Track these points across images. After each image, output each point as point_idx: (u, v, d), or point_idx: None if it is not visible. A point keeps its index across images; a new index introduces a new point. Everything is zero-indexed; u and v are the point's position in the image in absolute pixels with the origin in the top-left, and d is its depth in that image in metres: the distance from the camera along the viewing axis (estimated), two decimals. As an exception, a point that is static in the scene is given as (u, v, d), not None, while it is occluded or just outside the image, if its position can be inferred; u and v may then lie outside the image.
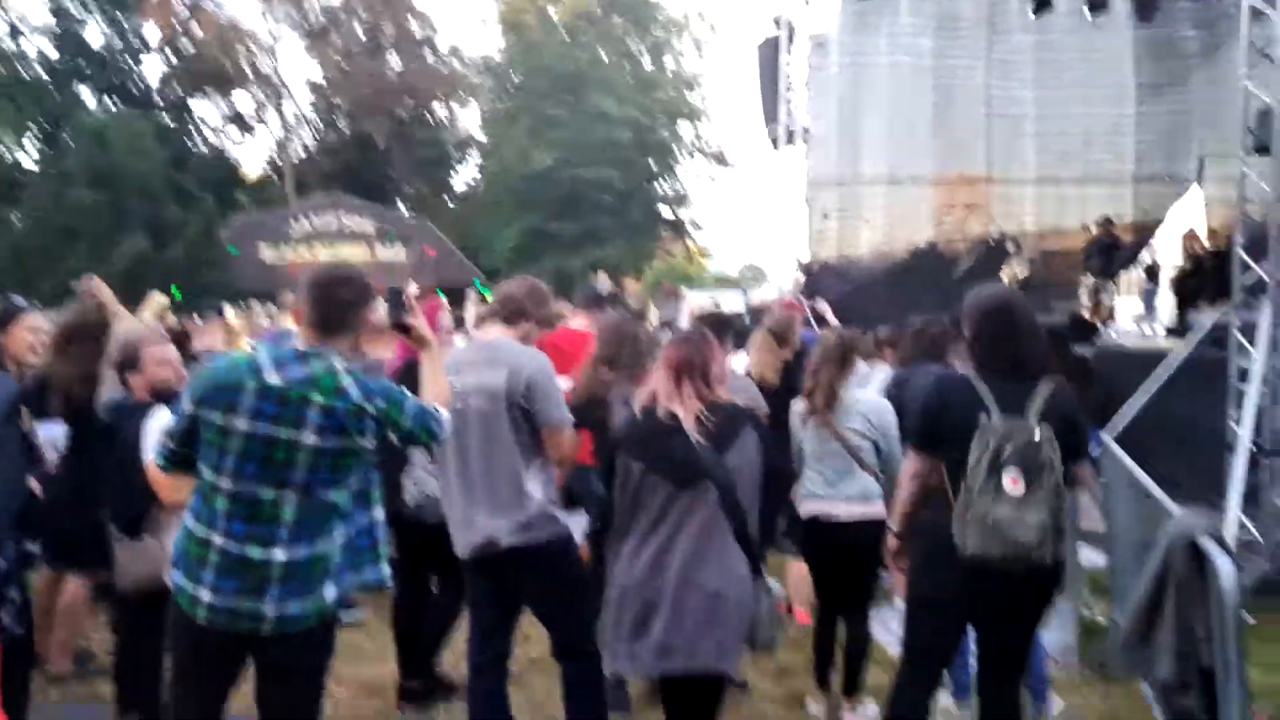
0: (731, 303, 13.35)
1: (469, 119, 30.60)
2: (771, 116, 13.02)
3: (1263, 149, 6.45)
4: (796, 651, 4.58)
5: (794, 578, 5.02)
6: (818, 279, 12.19)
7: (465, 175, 31.83)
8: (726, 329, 4.41)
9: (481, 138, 29.94)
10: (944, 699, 3.82)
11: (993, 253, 12.64)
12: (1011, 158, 13.12)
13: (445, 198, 30.61)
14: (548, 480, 3.25)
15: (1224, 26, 11.74)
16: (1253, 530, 5.92)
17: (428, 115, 29.43)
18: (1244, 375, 6.23)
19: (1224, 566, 2.46)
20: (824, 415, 3.83)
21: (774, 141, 12.98)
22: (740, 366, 5.03)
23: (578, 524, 3.45)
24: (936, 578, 2.88)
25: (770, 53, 12.96)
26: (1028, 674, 3.99)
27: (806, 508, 3.91)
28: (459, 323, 5.46)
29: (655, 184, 28.60)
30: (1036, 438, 2.72)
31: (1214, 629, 2.52)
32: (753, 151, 64.07)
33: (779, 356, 4.88)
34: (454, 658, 4.12)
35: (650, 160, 27.72)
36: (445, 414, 2.66)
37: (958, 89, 12.85)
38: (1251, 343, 6.24)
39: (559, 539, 3.24)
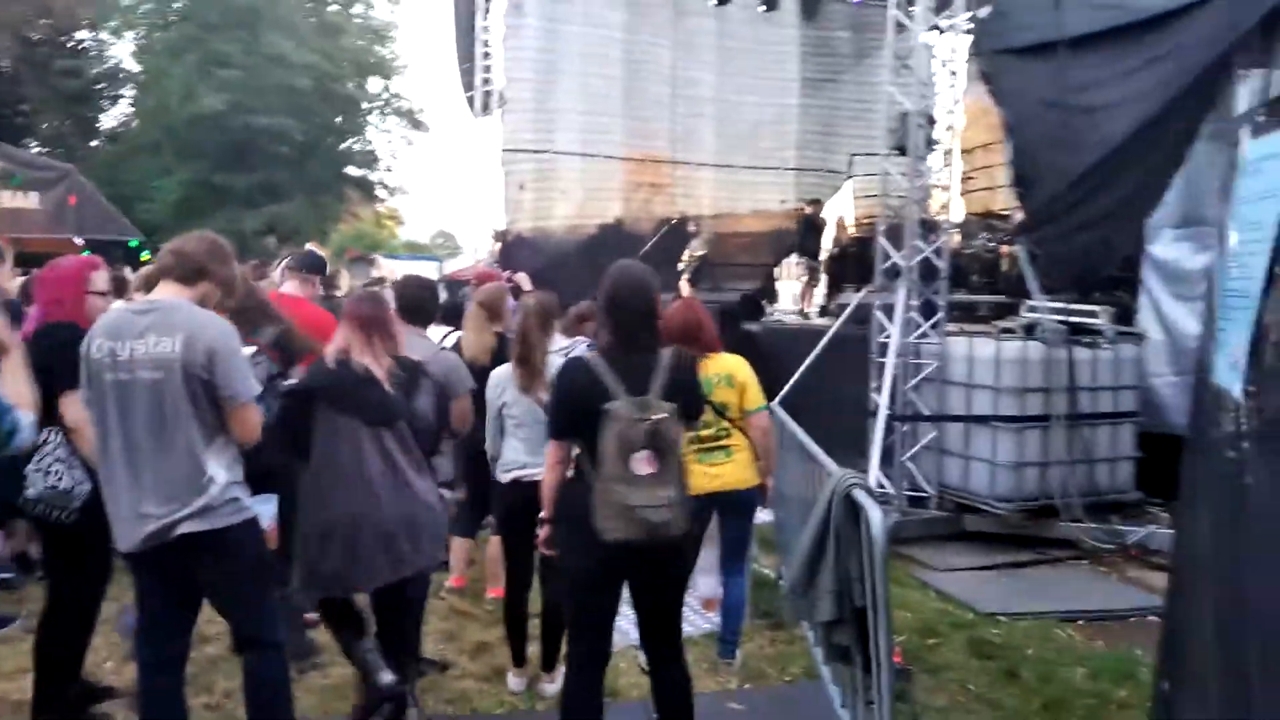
0: (425, 272, 12.98)
1: (122, 48, 26.82)
2: (468, 76, 12.73)
3: (901, 149, 7.39)
4: (495, 627, 4.60)
5: (491, 554, 5.04)
6: (512, 250, 12.18)
7: (116, 113, 27.97)
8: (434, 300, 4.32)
9: (136, 68, 26.28)
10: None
11: (675, 233, 13.31)
12: (693, 139, 13.84)
13: (91, 138, 26.76)
14: (232, 460, 2.96)
15: (873, 33, 13.28)
16: (888, 485, 6.82)
17: (70, 40, 25.46)
18: (883, 351, 7.13)
19: (874, 514, 2.80)
20: (536, 382, 3.84)
21: (471, 104, 12.69)
22: (439, 337, 4.93)
23: (265, 508, 3.20)
24: (584, 556, 2.94)
25: (467, 8, 12.60)
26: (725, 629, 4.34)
27: (509, 475, 3.92)
28: (119, 285, 4.81)
29: (341, 140, 26.92)
30: (662, 418, 2.80)
31: (865, 570, 2.86)
32: (450, 113, 62.52)
33: (491, 334, 4.84)
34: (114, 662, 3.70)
35: (335, 114, 26.06)
36: (29, 419, 2.46)
37: (645, 66, 13.29)
38: (889, 322, 7.16)
39: (244, 524, 2.97)
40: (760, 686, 4.09)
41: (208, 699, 3.77)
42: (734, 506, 4.17)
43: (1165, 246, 7.38)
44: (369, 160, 27.56)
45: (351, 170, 27.48)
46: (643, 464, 2.78)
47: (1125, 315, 7.47)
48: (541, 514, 3.14)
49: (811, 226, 12.72)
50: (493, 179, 12.85)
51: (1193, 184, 7.01)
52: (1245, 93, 5.97)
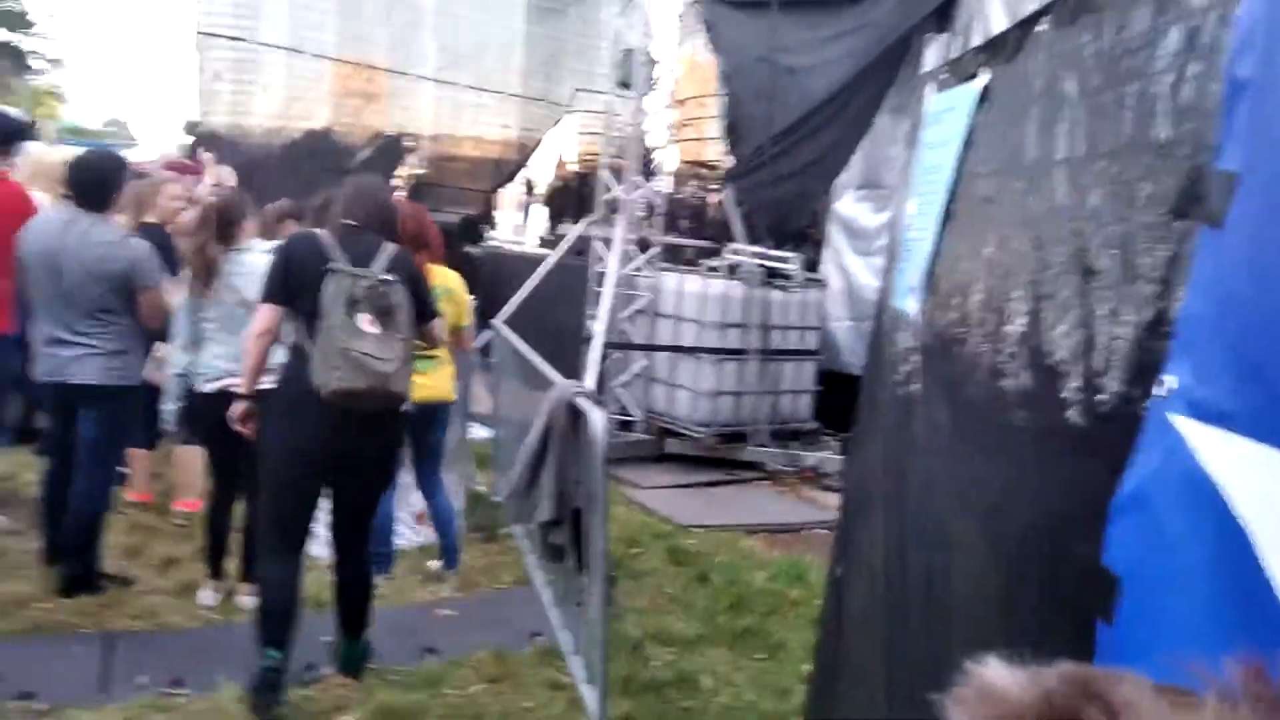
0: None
1: None
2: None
3: (625, 85, 7.58)
4: (183, 542, 4.33)
5: (182, 464, 4.68)
6: (207, 147, 11.09)
7: None
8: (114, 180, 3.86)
9: None
10: (316, 549, 3.94)
11: (390, 147, 12.78)
12: (412, 52, 13.25)
13: None
14: None
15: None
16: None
17: None
18: (601, 280, 7.35)
19: (595, 418, 2.94)
20: (203, 286, 3.60)
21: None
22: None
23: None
24: (300, 426, 2.97)
25: None
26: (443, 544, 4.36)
27: (215, 384, 3.66)
28: None
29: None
30: (385, 279, 2.95)
31: (585, 472, 3.00)
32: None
33: (136, 223, 4.48)
34: None
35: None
36: None
37: (360, -35, 12.55)
38: (608, 253, 7.39)
39: None
40: (472, 594, 4.17)
41: None
42: (432, 416, 4.21)
43: (848, 205, 8.21)
44: (19, 23, 23.53)
45: (-2, 35, 23.38)
46: (368, 323, 2.87)
47: (811, 264, 8.26)
48: (240, 388, 3.10)
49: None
50: (182, 65, 11.59)
51: (874, 151, 7.83)
52: (931, 54, 6.76)
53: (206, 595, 3.85)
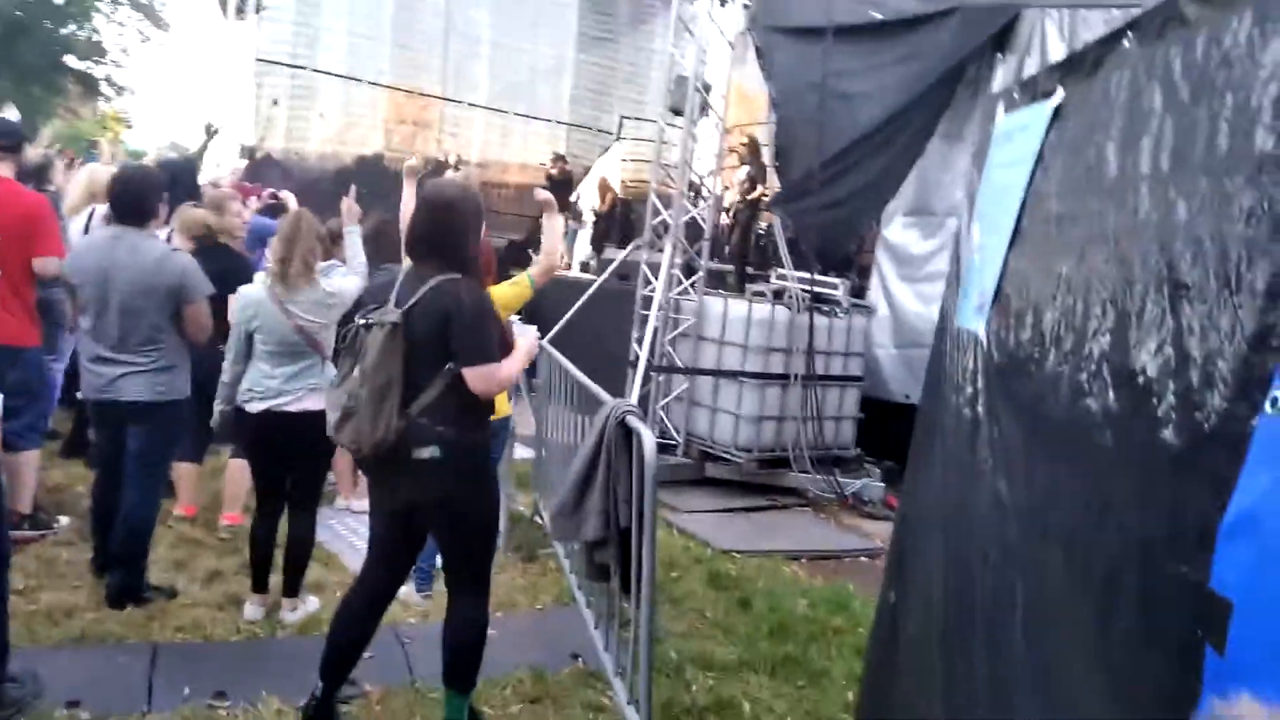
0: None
1: None
2: (221, -24, 11.62)
3: (677, 111, 7.60)
4: (228, 555, 4.34)
5: (229, 478, 4.71)
6: (260, 169, 11.32)
7: None
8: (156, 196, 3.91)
9: None
10: (405, 589, 3.92)
11: (440, 173, 12.95)
12: (465, 80, 13.48)
13: None
14: None
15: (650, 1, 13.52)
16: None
17: None
18: (647, 304, 7.34)
19: (646, 437, 2.88)
20: (290, 294, 3.60)
21: (223, 5, 11.60)
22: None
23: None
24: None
25: (222, -99, 11.50)
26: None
27: (262, 404, 3.65)
28: None
29: (62, 25, 23.48)
30: (368, 325, 2.74)
31: (634, 491, 2.95)
32: (194, 11, 56.01)
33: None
34: None
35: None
36: None
37: (419, -4, 12.81)
38: (654, 277, 7.38)
39: None
40: (513, 613, 4.12)
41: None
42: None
43: (897, 231, 8.13)
44: (94, 52, 24.30)
45: (72, 61, 24.12)
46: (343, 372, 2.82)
47: (858, 290, 8.17)
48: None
49: (556, 183, 12.65)
50: (242, 90, 11.86)
51: (925, 177, 7.75)
52: (1001, 73, 6.70)
53: (252, 609, 3.84)
